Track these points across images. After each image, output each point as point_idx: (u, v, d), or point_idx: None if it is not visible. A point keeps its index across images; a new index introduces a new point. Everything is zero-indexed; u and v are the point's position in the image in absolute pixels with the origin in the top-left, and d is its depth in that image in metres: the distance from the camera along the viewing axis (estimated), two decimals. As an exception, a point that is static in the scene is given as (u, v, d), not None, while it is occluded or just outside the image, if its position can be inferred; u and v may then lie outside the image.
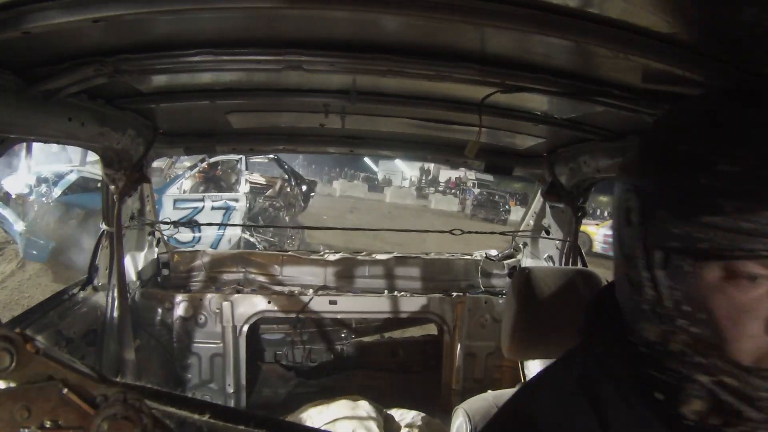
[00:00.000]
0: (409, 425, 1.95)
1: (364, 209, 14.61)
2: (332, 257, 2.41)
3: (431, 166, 15.13)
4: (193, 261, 2.32)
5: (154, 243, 2.27)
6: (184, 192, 6.71)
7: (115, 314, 1.83)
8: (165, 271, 2.29)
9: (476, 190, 13.67)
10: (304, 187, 8.05)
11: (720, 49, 0.71)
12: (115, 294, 1.83)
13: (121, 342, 1.78)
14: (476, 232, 2.49)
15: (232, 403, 2.16)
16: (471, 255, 2.55)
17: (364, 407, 1.94)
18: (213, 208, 6.35)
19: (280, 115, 1.75)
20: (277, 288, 2.31)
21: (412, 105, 1.44)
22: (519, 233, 2.39)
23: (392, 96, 1.41)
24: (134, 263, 2.10)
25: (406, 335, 2.85)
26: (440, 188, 13.98)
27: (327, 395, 2.09)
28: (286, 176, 7.99)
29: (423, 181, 17.27)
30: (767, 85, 0.52)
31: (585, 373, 0.52)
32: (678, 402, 0.44)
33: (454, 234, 2.37)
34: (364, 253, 2.48)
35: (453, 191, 14.28)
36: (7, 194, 5.48)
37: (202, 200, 6.42)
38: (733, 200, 0.40)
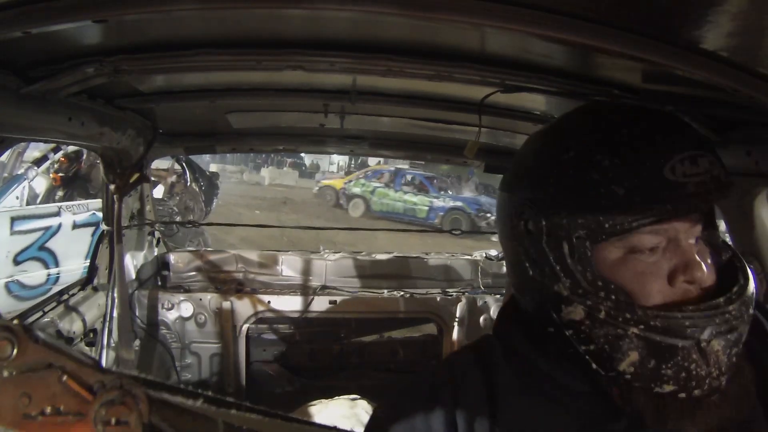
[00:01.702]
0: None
1: (298, 199, 13.84)
2: (332, 257, 2.41)
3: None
4: (193, 261, 2.32)
5: (154, 243, 2.27)
6: (28, 203, 4.15)
7: (115, 314, 1.83)
8: (165, 271, 2.29)
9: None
10: (203, 184, 5.82)
11: (720, 50, 0.71)
12: (115, 294, 1.83)
13: (121, 342, 1.78)
14: (477, 232, 2.49)
15: None
16: (471, 255, 2.55)
17: (364, 407, 1.95)
18: (76, 226, 4.12)
19: (280, 115, 1.75)
20: (277, 288, 2.31)
21: (412, 105, 1.44)
22: None
23: (392, 96, 1.41)
24: (134, 263, 2.10)
25: (406, 335, 2.85)
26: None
27: (327, 395, 2.09)
28: (180, 169, 5.67)
29: (353, 165, 16.73)
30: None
31: (483, 356, 0.61)
32: (615, 362, 0.51)
33: (453, 234, 2.37)
34: (364, 253, 2.49)
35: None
36: None
37: (58, 214, 4.09)
38: (621, 185, 0.49)
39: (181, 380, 2.20)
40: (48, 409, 0.33)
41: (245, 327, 2.18)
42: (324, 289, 2.31)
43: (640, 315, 0.50)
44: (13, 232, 3.75)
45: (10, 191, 3.95)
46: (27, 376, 0.33)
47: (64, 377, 0.34)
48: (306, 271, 2.37)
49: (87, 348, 1.74)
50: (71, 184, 4.65)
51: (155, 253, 2.28)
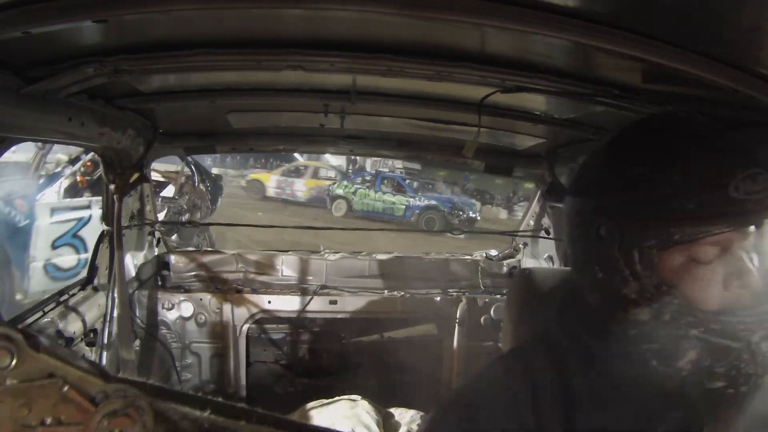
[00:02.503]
0: (409, 424, 1.95)
1: (297, 203, 14.26)
2: (332, 257, 2.41)
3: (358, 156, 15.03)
4: (193, 261, 2.32)
5: (154, 243, 2.27)
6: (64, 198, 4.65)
7: (115, 314, 1.83)
8: (165, 271, 2.29)
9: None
10: (209, 185, 6.38)
11: (719, 49, 0.71)
12: (115, 294, 1.83)
13: (121, 342, 1.78)
14: (477, 232, 2.49)
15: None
16: (471, 255, 2.55)
17: (364, 407, 1.94)
18: (67, 221, 4.55)
19: (280, 115, 1.75)
20: (277, 288, 2.31)
21: (412, 105, 1.44)
22: (519, 233, 2.39)
23: (392, 96, 1.41)
24: (134, 263, 2.10)
25: (406, 335, 2.85)
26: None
27: (327, 395, 2.09)
28: (189, 171, 6.17)
29: (349, 170, 17.04)
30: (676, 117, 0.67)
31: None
32: (675, 360, 0.56)
33: (453, 234, 2.36)
34: (364, 253, 2.48)
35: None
36: None
37: (89, 207, 4.56)
38: (690, 202, 0.55)
39: (181, 380, 2.20)
40: (48, 420, 0.33)
41: (245, 327, 2.18)
42: (324, 289, 2.31)
43: (701, 318, 0.55)
44: (52, 222, 4.30)
45: (50, 186, 4.57)
46: (27, 386, 0.33)
47: (65, 387, 0.33)
48: (306, 271, 2.37)
49: (87, 348, 1.73)
50: (95, 186, 5.00)
51: (155, 253, 2.28)
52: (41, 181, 4.67)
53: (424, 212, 12.63)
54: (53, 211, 4.37)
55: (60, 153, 5.00)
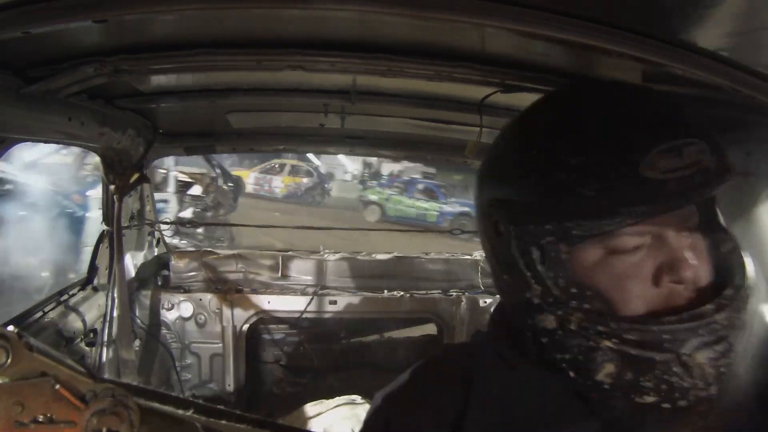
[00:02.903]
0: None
1: (312, 204, 14.69)
2: (332, 257, 2.41)
3: (374, 159, 15.29)
4: (193, 261, 2.32)
5: (154, 243, 2.27)
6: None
7: (115, 314, 1.83)
8: (165, 271, 2.29)
9: (420, 185, 14.06)
10: (231, 185, 7.36)
11: (720, 49, 0.71)
12: (115, 294, 1.83)
13: (121, 342, 1.78)
14: (476, 232, 2.49)
15: (232, 403, 2.16)
16: (471, 255, 2.55)
17: (364, 407, 1.94)
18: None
19: (280, 115, 1.75)
20: (277, 288, 2.31)
21: (412, 105, 1.44)
22: None
23: (392, 96, 1.41)
24: (134, 263, 2.10)
25: (407, 335, 2.85)
26: (383, 181, 14.27)
27: (327, 395, 2.09)
28: (214, 172, 7.07)
29: (366, 174, 17.30)
30: (581, 89, 0.60)
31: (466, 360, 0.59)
32: (591, 372, 0.47)
33: (454, 234, 2.37)
34: (364, 253, 2.48)
35: (395, 183, 14.48)
36: None
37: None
38: (591, 186, 0.45)
39: (181, 380, 2.20)
40: (40, 417, 0.34)
41: (245, 327, 2.18)
42: (324, 289, 2.31)
43: (613, 328, 0.46)
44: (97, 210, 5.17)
45: (100, 183, 5.22)
46: (20, 384, 0.34)
47: (57, 386, 0.34)
48: (306, 271, 2.37)
49: (87, 348, 1.74)
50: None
51: (155, 253, 2.28)
52: (90, 179, 5.71)
53: (458, 218, 12.61)
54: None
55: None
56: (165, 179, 6.37)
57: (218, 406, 0.35)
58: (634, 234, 0.47)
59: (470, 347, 0.63)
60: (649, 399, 0.45)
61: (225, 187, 7.08)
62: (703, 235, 0.50)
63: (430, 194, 13.70)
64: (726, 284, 0.48)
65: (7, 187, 4.90)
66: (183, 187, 6.71)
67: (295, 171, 15.18)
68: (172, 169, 6.42)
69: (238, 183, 7.70)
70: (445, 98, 1.39)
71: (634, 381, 0.46)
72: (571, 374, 0.48)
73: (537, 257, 0.49)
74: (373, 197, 13.75)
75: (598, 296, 0.47)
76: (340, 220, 11.17)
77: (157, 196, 5.08)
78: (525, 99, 1.27)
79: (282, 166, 15.17)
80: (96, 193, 5.15)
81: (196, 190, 6.82)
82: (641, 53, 0.74)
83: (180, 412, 0.34)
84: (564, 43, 0.78)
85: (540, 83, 1.05)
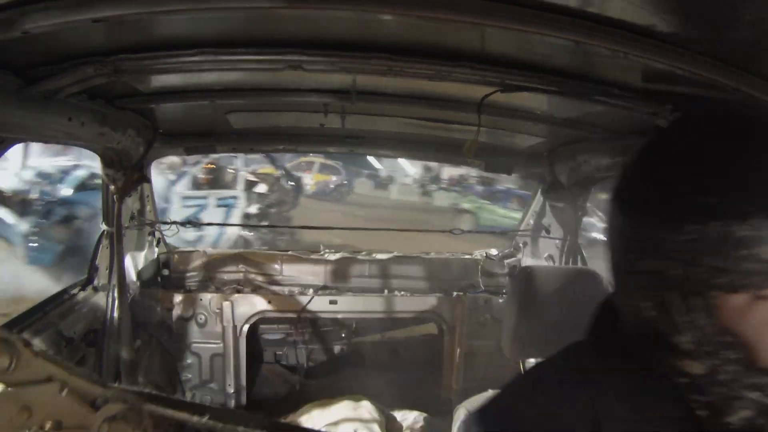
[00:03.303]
0: (411, 426, 1.95)
1: (372, 206, 14.62)
2: (332, 257, 2.41)
3: (434, 163, 15.50)
4: (193, 261, 2.32)
5: (154, 243, 2.27)
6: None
7: (115, 314, 1.83)
8: (165, 271, 2.29)
9: (479, 188, 14.04)
10: (293, 184, 8.40)
11: (720, 49, 0.71)
12: (115, 294, 1.83)
13: (121, 342, 1.78)
14: (476, 232, 2.49)
15: (232, 403, 2.16)
16: (471, 254, 2.55)
17: (367, 407, 1.94)
18: (216, 206, 6.59)
19: (280, 115, 1.75)
20: (277, 288, 2.31)
21: (412, 105, 1.44)
22: (519, 233, 2.39)
23: (392, 96, 1.41)
24: (134, 263, 2.10)
25: (407, 335, 2.85)
26: (443, 185, 14.28)
27: (327, 395, 2.09)
28: (278, 173, 8.13)
29: (426, 178, 17.55)
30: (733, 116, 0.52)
31: (587, 367, 0.56)
32: (724, 415, 0.47)
33: (454, 233, 2.37)
34: (364, 253, 2.48)
35: (456, 189, 14.56)
36: (-1, 192, 5.19)
37: (206, 197, 6.62)
38: (761, 239, 0.43)
39: (181, 380, 2.20)
40: (48, 424, 0.33)
41: (245, 327, 2.18)
42: (324, 289, 2.31)
43: (761, 381, 0.46)
44: (182, 206, 6.17)
45: (181, 181, 6.62)
46: (26, 390, 0.33)
47: (64, 391, 0.33)
48: (306, 271, 2.37)
49: (87, 348, 1.73)
50: (213, 182, 7.02)
51: (155, 253, 2.28)
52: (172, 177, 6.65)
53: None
54: (183, 198, 6.37)
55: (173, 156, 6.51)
56: (234, 178, 7.13)
57: (234, 409, 0.34)
58: None
59: (572, 356, 0.60)
60: None
61: (287, 186, 8.07)
62: None
63: (522, 203, 13.80)
64: None
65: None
66: (250, 185, 7.39)
67: (323, 169, 15.22)
68: (241, 169, 7.21)
69: (298, 182, 8.62)
70: (445, 98, 1.39)
71: (764, 425, 0.47)
72: (700, 414, 0.49)
73: (701, 304, 0.47)
74: (466, 205, 13.72)
75: (745, 345, 0.46)
76: (401, 222, 11.15)
77: (227, 193, 6.73)
78: (525, 99, 1.28)
79: (310, 164, 15.15)
80: (180, 189, 6.46)
81: (262, 188, 7.55)
82: (641, 53, 0.74)
83: (195, 418, 0.33)
84: (564, 43, 0.78)
85: (540, 83, 1.05)
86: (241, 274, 2.34)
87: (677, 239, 0.46)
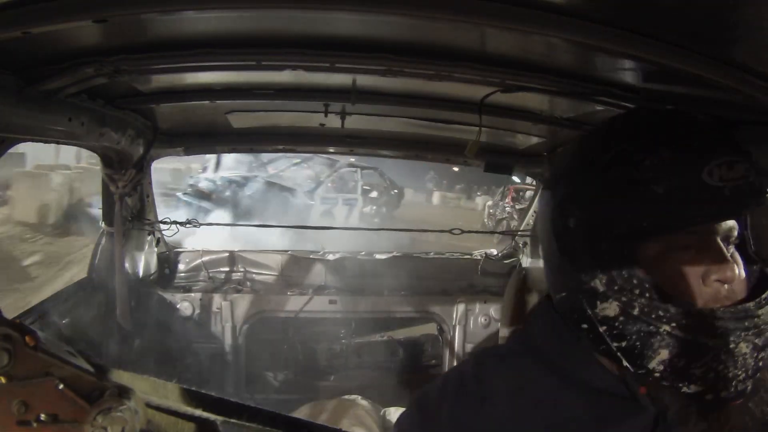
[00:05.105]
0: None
1: (467, 213, 14.89)
2: (332, 257, 2.41)
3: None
4: (193, 261, 2.32)
5: (154, 243, 2.27)
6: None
7: (116, 314, 1.83)
8: (165, 271, 2.29)
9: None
10: (395, 192, 11.35)
11: (719, 49, 0.71)
12: (116, 294, 1.83)
13: (121, 342, 1.78)
14: (475, 232, 2.49)
15: None
16: (471, 255, 2.55)
17: (364, 406, 1.94)
18: (343, 204, 9.26)
19: (280, 115, 1.75)
20: (277, 288, 2.31)
21: (412, 105, 1.44)
22: (519, 233, 2.39)
23: (392, 96, 1.41)
24: (134, 263, 2.10)
25: (406, 335, 2.85)
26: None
27: (327, 395, 2.09)
28: (385, 183, 10.94)
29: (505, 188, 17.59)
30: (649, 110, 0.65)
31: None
32: (645, 359, 0.52)
33: (453, 233, 2.37)
34: (363, 253, 2.48)
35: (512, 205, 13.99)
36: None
37: (336, 198, 9.22)
38: (661, 185, 0.51)
39: (181, 380, 2.20)
40: (44, 417, 0.33)
41: (245, 327, 2.18)
42: (324, 289, 2.31)
43: (673, 313, 0.51)
44: (321, 203, 8.72)
45: (321, 186, 9.09)
46: (24, 384, 0.33)
47: (61, 385, 0.33)
48: (306, 271, 2.37)
49: (87, 348, 1.74)
50: (342, 188, 9.73)
51: (155, 253, 2.28)
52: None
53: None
54: (322, 198, 8.74)
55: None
56: (355, 186, 9.80)
57: (228, 400, 0.34)
58: (688, 234, 0.53)
59: (508, 346, 0.68)
60: (695, 388, 0.51)
61: (392, 192, 11.03)
62: (742, 244, 0.57)
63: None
64: (762, 290, 0.55)
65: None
66: (366, 191, 10.12)
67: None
68: (359, 180, 9.82)
69: (400, 191, 11.58)
70: (445, 98, 1.39)
71: (685, 368, 0.51)
72: (624, 363, 0.53)
73: (605, 248, 0.54)
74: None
75: (656, 288, 0.53)
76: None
77: (350, 196, 9.58)
78: (525, 99, 1.28)
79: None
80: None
81: (375, 194, 10.54)
82: (641, 53, 0.74)
83: (189, 409, 0.34)
84: (564, 43, 0.78)
85: (540, 83, 1.05)
86: (241, 274, 2.34)
87: (594, 192, 0.55)
